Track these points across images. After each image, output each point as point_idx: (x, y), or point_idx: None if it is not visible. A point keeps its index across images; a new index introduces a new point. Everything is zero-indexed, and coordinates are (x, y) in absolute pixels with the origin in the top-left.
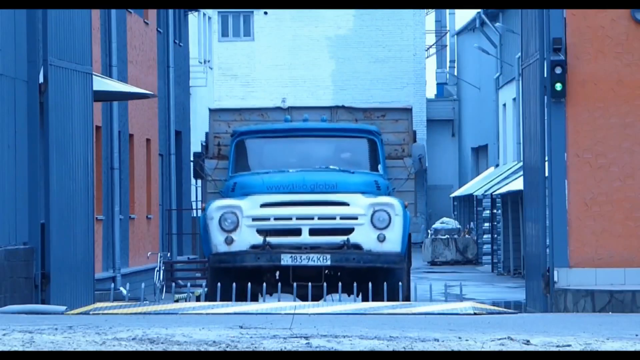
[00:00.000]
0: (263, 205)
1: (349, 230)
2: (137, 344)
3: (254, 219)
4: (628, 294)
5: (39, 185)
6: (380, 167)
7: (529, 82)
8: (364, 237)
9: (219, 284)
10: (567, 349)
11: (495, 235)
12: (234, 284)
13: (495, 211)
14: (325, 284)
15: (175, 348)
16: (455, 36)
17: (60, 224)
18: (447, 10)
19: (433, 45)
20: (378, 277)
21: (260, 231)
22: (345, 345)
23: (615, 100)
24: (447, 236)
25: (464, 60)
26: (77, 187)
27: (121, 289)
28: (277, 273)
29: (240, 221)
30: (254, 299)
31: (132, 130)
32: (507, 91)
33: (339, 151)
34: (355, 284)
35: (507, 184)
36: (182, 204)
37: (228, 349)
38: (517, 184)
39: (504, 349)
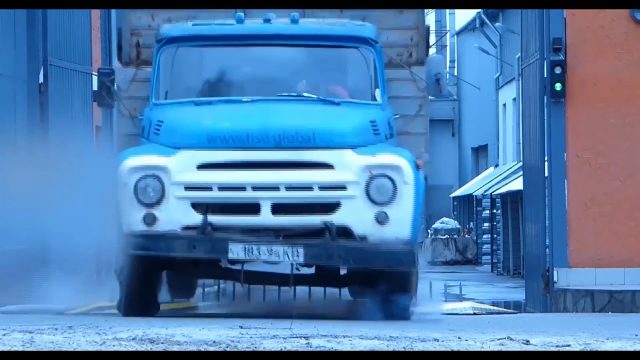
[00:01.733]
0: (201, 167)
1: (332, 207)
2: (137, 344)
3: (188, 188)
4: (628, 294)
5: None
6: (378, 91)
7: (529, 82)
8: (356, 216)
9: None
10: (567, 349)
11: (495, 235)
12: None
13: (495, 211)
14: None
15: (175, 348)
16: (455, 36)
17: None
18: (447, 10)
19: (433, 45)
20: (376, 280)
21: (197, 205)
22: (345, 345)
23: (615, 100)
24: (446, 236)
25: (464, 60)
26: None
27: None
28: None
29: (167, 190)
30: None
31: None
32: (507, 91)
33: (318, 69)
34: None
35: (507, 184)
36: None
37: (228, 349)
38: (517, 184)
39: (504, 349)
